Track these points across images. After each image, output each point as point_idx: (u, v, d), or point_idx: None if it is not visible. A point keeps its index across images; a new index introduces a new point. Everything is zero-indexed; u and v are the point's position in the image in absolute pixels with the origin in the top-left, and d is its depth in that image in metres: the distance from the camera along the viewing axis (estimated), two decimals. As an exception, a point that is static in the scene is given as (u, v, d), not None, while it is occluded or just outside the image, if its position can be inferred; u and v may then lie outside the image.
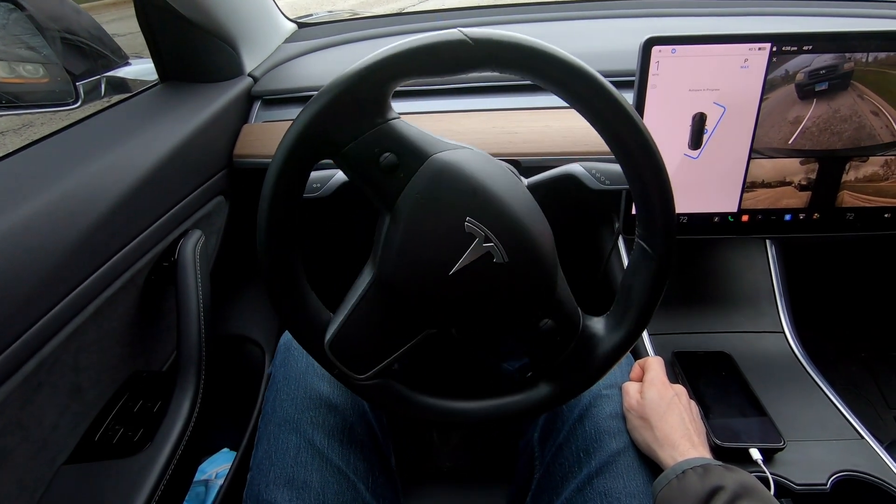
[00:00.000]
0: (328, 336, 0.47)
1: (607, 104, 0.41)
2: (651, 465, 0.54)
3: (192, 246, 0.72)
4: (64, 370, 0.57)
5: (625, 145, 0.42)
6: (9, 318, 0.50)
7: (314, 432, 0.56)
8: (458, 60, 0.40)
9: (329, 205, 0.64)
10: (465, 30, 0.40)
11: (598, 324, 0.49)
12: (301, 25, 1.09)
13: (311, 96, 0.42)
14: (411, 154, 0.43)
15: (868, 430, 0.60)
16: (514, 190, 0.45)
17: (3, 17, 0.67)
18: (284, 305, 0.46)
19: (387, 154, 0.42)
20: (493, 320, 0.46)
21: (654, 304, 0.46)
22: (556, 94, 0.43)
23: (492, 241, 0.43)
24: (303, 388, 0.59)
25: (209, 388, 0.69)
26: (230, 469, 0.85)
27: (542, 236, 0.45)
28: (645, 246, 0.45)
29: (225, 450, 0.93)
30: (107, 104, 0.77)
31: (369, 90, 0.41)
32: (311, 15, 1.17)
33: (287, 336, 0.65)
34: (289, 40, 1.03)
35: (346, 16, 1.17)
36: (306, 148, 0.42)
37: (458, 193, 0.43)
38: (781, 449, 0.56)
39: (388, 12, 1.15)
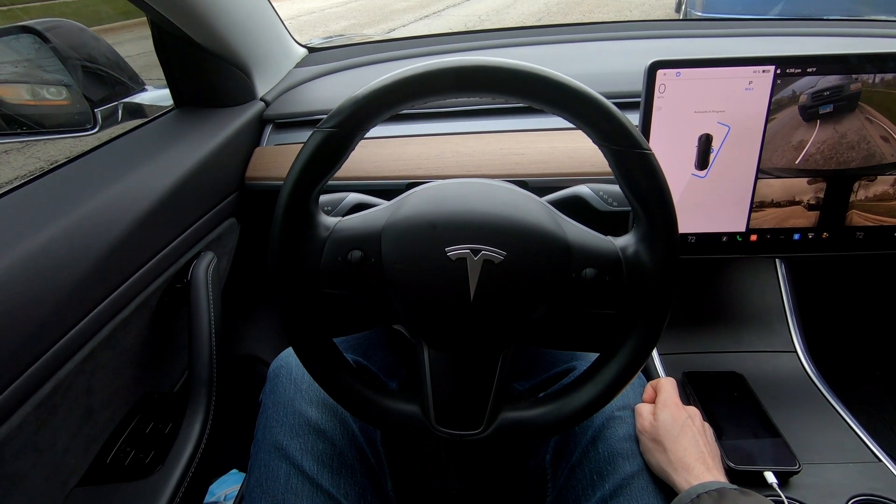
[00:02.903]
0: (432, 417, 0.48)
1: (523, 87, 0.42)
2: (665, 489, 0.53)
3: (205, 268, 0.73)
4: (78, 393, 0.58)
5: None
6: (27, 342, 0.50)
7: (304, 459, 0.56)
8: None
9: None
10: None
11: (631, 244, 0.46)
12: (311, 50, 1.12)
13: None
14: (367, 238, 0.45)
15: (885, 451, 0.59)
16: (463, 193, 0.46)
17: (29, 49, 0.69)
18: (373, 414, 0.49)
19: (350, 253, 0.45)
20: (538, 301, 0.46)
21: (671, 204, 0.44)
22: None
23: (480, 250, 0.44)
24: (291, 415, 0.59)
25: (219, 409, 0.69)
26: (239, 491, 0.84)
27: (518, 206, 0.46)
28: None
29: (234, 471, 0.93)
30: (124, 130, 0.79)
31: (301, 212, 0.45)
32: (314, 40, 1.20)
33: (276, 363, 0.66)
34: (299, 65, 1.06)
35: (357, 40, 1.19)
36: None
37: (422, 237, 0.44)
38: (797, 472, 0.56)
39: (387, 37, 1.18)
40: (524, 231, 0.45)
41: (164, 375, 0.76)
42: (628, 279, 0.45)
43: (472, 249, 0.44)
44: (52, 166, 0.67)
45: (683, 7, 4.38)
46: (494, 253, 0.44)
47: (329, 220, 0.47)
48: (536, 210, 0.46)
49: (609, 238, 0.47)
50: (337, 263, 0.46)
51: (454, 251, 0.44)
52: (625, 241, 0.46)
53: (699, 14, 3.77)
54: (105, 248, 0.59)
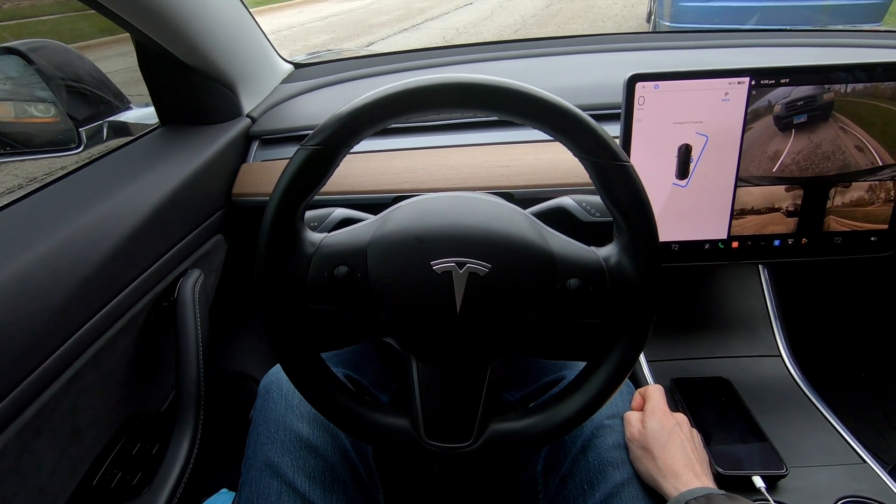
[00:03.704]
0: (422, 431, 0.48)
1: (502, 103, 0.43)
2: (655, 496, 0.53)
3: (192, 285, 0.73)
4: (63, 415, 0.57)
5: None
6: (9, 365, 0.50)
7: (295, 475, 0.55)
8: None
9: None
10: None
11: (613, 254, 0.47)
12: (297, 66, 1.13)
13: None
14: (353, 254, 0.46)
15: (872, 452, 0.60)
16: (448, 207, 0.47)
17: (13, 70, 0.69)
18: (362, 429, 0.49)
19: (337, 268, 0.46)
20: (524, 312, 0.46)
21: (651, 214, 0.45)
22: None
23: (465, 263, 0.44)
24: (283, 431, 0.59)
25: (208, 428, 0.68)
26: (229, 511, 0.83)
27: (502, 219, 0.46)
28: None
29: (224, 490, 0.91)
30: (109, 148, 0.79)
31: (287, 229, 0.45)
32: (299, 56, 1.20)
33: (266, 379, 0.65)
34: (285, 81, 1.06)
35: (345, 55, 1.20)
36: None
37: (407, 251, 0.45)
38: (784, 476, 0.56)
39: (373, 52, 1.19)
40: (508, 243, 0.45)
41: (152, 395, 0.75)
42: (612, 288, 0.46)
43: (457, 263, 0.44)
44: (32, 186, 0.67)
45: (653, 18, 4.52)
46: (479, 266, 0.44)
47: (315, 237, 0.47)
48: (520, 222, 0.47)
49: (592, 248, 0.48)
50: (323, 279, 0.46)
51: (439, 265, 0.44)
52: (607, 252, 0.47)
53: (668, 25, 3.93)
54: (90, 267, 0.59)
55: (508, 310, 0.46)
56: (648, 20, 4.98)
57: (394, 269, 0.45)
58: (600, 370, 0.49)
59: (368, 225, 0.48)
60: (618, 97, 0.64)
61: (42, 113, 0.76)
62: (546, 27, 6.25)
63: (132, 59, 0.81)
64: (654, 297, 0.46)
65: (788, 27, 1.13)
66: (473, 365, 0.48)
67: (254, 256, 0.46)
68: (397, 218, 0.47)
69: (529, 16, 6.96)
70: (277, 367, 0.66)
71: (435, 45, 1.20)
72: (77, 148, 0.75)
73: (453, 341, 0.46)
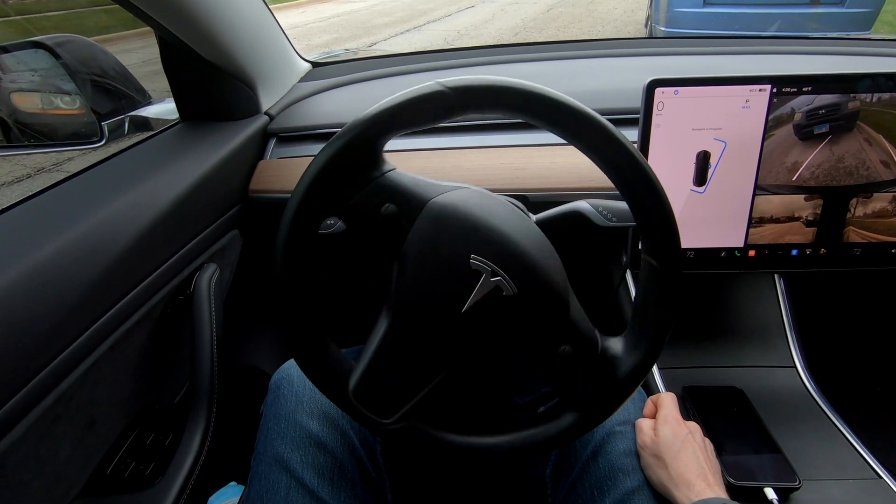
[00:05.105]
0: (352, 384, 0.48)
1: (565, 118, 0.43)
2: (666, 505, 0.53)
3: (208, 279, 0.74)
4: (80, 404, 0.58)
5: (610, 160, 0.44)
6: (31, 353, 0.51)
7: (304, 471, 0.56)
8: (439, 110, 0.43)
9: (343, 240, 0.65)
10: (442, 81, 0.42)
11: (616, 344, 0.48)
12: (315, 65, 1.13)
13: (325, 134, 0.44)
14: (409, 202, 0.45)
15: (885, 468, 0.59)
16: (515, 222, 0.46)
17: (40, 63, 0.71)
18: (306, 358, 0.48)
19: (387, 205, 0.45)
20: (510, 352, 0.47)
21: (670, 320, 0.46)
22: (536, 125, 0.44)
23: (499, 275, 0.44)
24: (293, 427, 0.59)
25: (219, 421, 0.69)
26: (238, 503, 0.84)
27: (549, 264, 0.46)
28: (652, 261, 0.46)
29: (233, 483, 0.92)
30: (130, 142, 0.80)
31: (362, 148, 0.43)
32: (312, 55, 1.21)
33: (277, 375, 0.66)
34: (303, 79, 1.07)
35: (361, 55, 1.21)
36: (312, 207, 0.44)
37: (460, 233, 0.44)
38: (797, 488, 0.56)
39: (389, 52, 1.19)
40: (545, 287, 0.45)
41: (166, 387, 0.76)
42: (595, 372, 0.47)
43: (493, 270, 0.44)
44: (40, 175, 0.68)
45: (650, 23, 4.50)
46: (510, 285, 0.44)
47: (385, 165, 0.46)
48: (562, 278, 0.47)
49: (596, 333, 0.48)
50: (367, 207, 0.45)
51: (478, 262, 0.44)
52: (610, 343, 0.48)
53: (663, 30, 3.94)
54: (109, 259, 0.60)
55: (504, 339, 0.46)
56: (646, 25, 4.96)
57: (435, 238, 0.45)
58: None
59: (440, 185, 0.47)
60: (632, 102, 0.64)
61: (67, 106, 0.77)
62: (546, 30, 6.19)
63: (136, 56, 0.83)
64: (677, 284, 0.46)
65: (802, 35, 1.11)
66: (447, 362, 0.48)
67: (269, 251, 0.46)
68: (468, 198, 0.46)
69: (530, 19, 6.90)
70: (288, 363, 0.67)
71: (452, 47, 1.20)
72: (99, 141, 0.76)
73: (441, 331, 0.46)
